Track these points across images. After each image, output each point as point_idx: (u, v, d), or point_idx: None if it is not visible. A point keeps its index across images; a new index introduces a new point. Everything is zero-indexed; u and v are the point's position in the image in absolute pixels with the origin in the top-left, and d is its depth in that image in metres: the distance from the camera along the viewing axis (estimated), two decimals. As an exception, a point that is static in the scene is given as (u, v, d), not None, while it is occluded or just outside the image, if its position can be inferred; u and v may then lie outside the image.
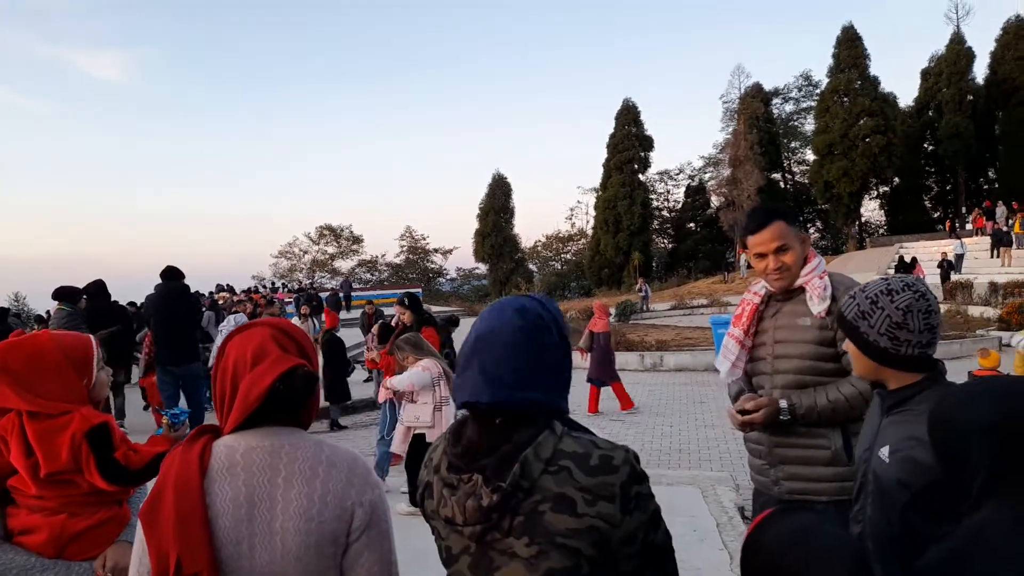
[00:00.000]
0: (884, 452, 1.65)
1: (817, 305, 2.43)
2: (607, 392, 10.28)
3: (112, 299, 8.70)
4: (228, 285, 31.82)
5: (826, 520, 1.56)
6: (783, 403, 2.42)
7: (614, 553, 1.13)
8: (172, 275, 7.61)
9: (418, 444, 5.48)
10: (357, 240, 56.74)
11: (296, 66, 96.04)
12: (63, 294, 8.05)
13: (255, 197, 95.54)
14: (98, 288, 8.34)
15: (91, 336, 2.27)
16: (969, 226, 34.68)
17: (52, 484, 2.03)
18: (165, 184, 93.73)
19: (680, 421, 9.42)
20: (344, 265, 56.57)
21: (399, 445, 5.57)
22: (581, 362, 9.82)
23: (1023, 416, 1.23)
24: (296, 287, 40.16)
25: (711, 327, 12.14)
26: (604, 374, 10.08)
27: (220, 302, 19.41)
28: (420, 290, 43.47)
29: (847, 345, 1.77)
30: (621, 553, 1.14)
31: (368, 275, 56.02)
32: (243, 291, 30.68)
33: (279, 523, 1.31)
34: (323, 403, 9.90)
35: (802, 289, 2.48)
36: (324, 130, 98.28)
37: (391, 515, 1.45)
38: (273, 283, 45.51)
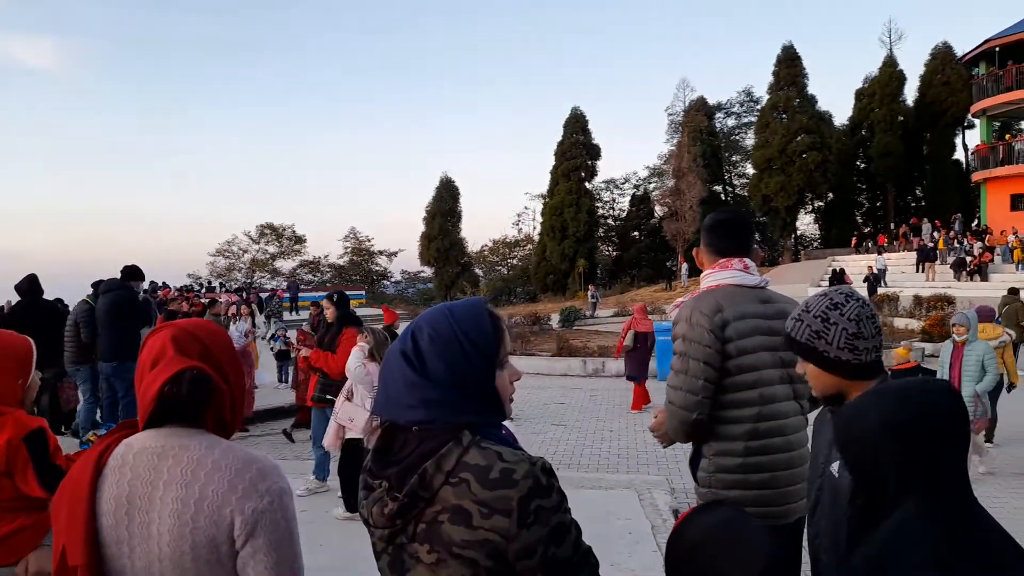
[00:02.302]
0: (835, 467, 1.68)
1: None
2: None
3: (43, 296, 8.35)
4: (163, 283, 30.87)
5: (745, 515, 1.61)
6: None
7: (511, 565, 1.14)
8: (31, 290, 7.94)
9: (352, 450, 5.39)
10: (299, 240, 55.68)
11: (240, 60, 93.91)
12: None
13: (192, 193, 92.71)
14: (29, 284, 7.98)
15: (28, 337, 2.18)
16: (895, 242, 36.27)
17: None
18: (97, 178, 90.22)
19: (619, 427, 9.54)
20: (285, 265, 55.52)
21: (331, 441, 5.45)
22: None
23: (924, 414, 1.26)
24: (236, 287, 39.17)
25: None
26: (643, 371, 10.74)
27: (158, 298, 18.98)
28: (364, 292, 43.00)
29: (804, 367, 1.74)
30: (519, 566, 1.14)
31: (311, 276, 54.97)
32: (177, 289, 29.81)
33: (155, 526, 1.30)
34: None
35: None
36: (266, 126, 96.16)
37: (292, 522, 1.38)
38: (210, 282, 44.30)
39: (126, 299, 7.70)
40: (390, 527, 1.19)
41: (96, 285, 8.25)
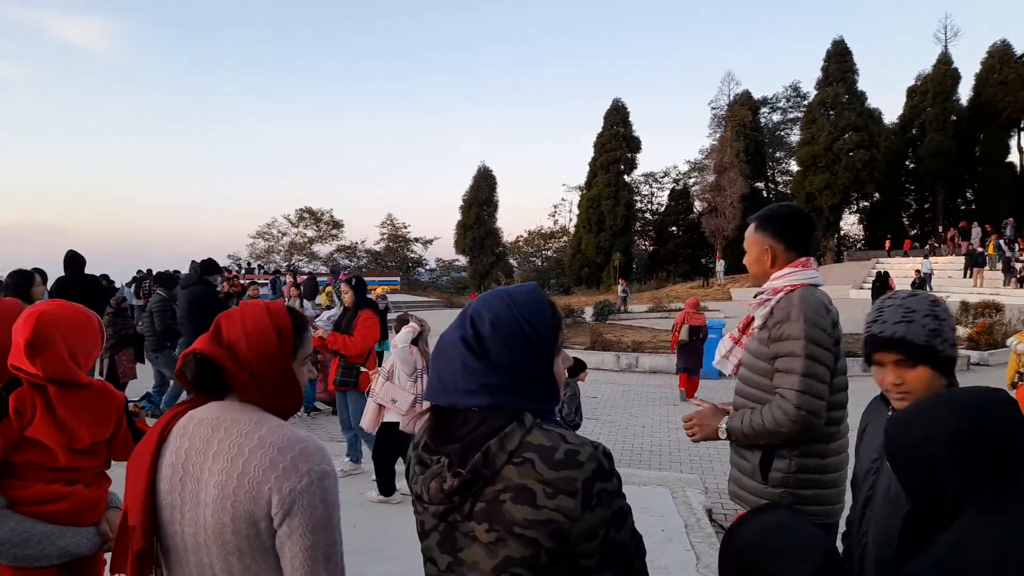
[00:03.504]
0: None
1: (757, 317, 2.46)
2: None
3: (83, 271, 8.56)
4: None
5: (800, 516, 1.56)
6: (722, 424, 2.48)
7: (573, 547, 1.14)
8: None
9: (387, 433, 5.39)
10: (337, 225, 56.33)
11: (283, 47, 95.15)
12: (162, 279, 8.62)
13: (236, 178, 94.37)
14: (71, 260, 8.19)
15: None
16: (944, 246, 35.25)
17: (83, 455, 2.09)
18: (143, 159, 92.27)
19: (652, 422, 9.44)
20: (323, 249, 56.25)
21: (370, 422, 5.43)
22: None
23: (987, 425, 1.23)
24: (274, 269, 39.77)
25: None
26: (698, 364, 11.06)
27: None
28: (399, 279, 43.32)
29: (908, 375, 1.61)
30: (580, 548, 1.15)
31: (347, 261, 55.55)
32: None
33: (203, 495, 1.34)
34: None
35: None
36: (309, 112, 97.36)
37: (332, 506, 1.37)
38: (249, 263, 45.07)
39: (204, 295, 7.92)
40: (446, 503, 1.18)
41: (161, 277, 8.96)
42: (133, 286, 16.52)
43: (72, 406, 2.03)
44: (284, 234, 55.54)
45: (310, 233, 56.02)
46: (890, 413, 1.70)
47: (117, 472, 2.29)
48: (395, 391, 5.29)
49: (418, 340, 5.46)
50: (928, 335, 1.59)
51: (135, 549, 1.37)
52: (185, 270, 25.39)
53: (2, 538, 1.89)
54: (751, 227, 2.54)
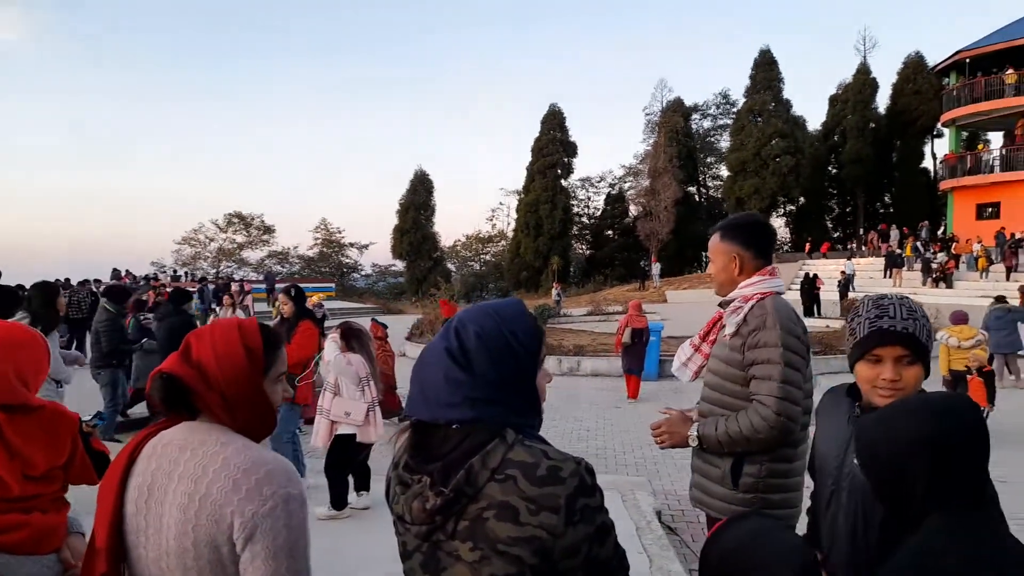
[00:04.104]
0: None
1: (729, 325, 2.45)
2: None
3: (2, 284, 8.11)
4: (127, 271, 30.17)
5: (777, 525, 1.57)
6: (693, 431, 2.48)
7: (556, 563, 1.13)
8: None
9: (341, 446, 5.25)
10: (268, 230, 54.63)
11: (210, 42, 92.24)
12: (112, 293, 8.19)
13: (157, 180, 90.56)
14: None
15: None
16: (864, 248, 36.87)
17: (39, 481, 1.99)
18: (57, 157, 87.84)
19: (597, 425, 9.46)
20: (253, 255, 54.51)
21: (323, 440, 5.29)
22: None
23: (954, 430, 1.28)
24: (201, 276, 38.45)
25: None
26: (641, 365, 11.42)
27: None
28: (333, 284, 42.47)
29: (906, 371, 1.63)
30: (563, 564, 1.14)
31: (279, 267, 54.12)
32: (143, 278, 29.18)
33: (166, 518, 1.30)
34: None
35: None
36: (236, 112, 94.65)
37: (298, 531, 1.32)
38: (175, 271, 43.43)
39: (183, 324, 7.83)
40: (429, 523, 1.17)
41: (111, 291, 8.47)
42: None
43: (24, 431, 1.92)
44: (212, 240, 53.60)
45: (239, 239, 54.19)
46: (856, 408, 1.76)
47: (75, 494, 2.17)
48: (347, 404, 5.20)
49: (355, 347, 5.34)
50: (928, 336, 1.66)
51: (99, 573, 1.35)
52: (106, 279, 24.22)
53: None
54: (715, 237, 2.56)
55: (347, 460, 5.28)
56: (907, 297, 1.72)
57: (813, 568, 1.30)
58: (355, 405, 5.18)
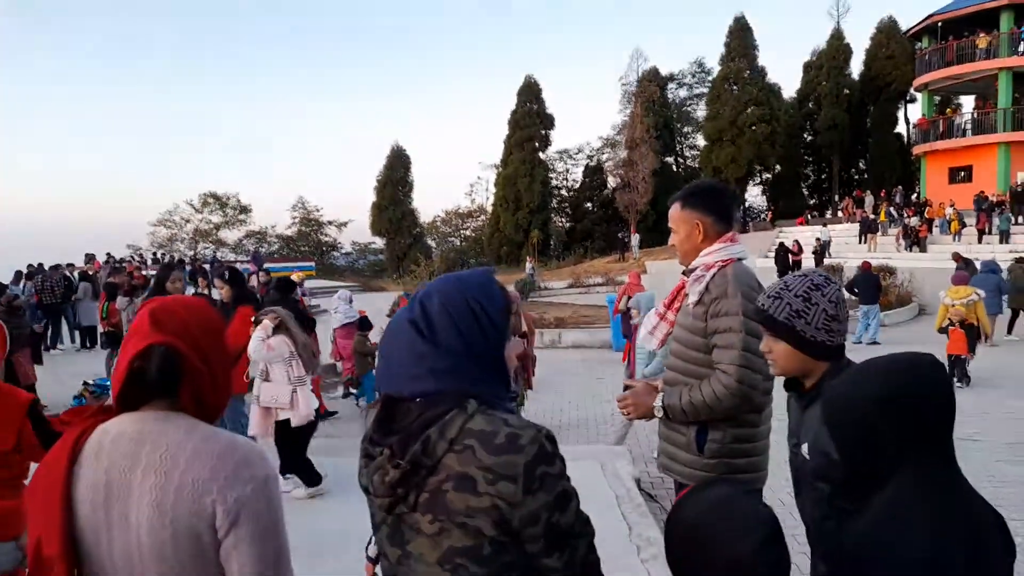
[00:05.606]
0: (805, 449, 1.69)
1: (692, 293, 2.48)
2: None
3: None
4: (107, 254, 29.73)
5: (744, 493, 1.59)
6: (658, 401, 2.49)
7: (517, 533, 1.13)
8: None
9: (284, 431, 5.22)
10: (245, 210, 53.92)
11: (180, 22, 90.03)
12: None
13: (133, 162, 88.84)
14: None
15: None
16: (840, 213, 37.21)
17: None
18: (28, 138, 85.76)
19: (578, 397, 9.58)
20: (230, 236, 53.87)
21: (259, 429, 5.24)
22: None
23: (915, 385, 1.30)
24: (178, 258, 37.93)
25: (607, 305, 12.57)
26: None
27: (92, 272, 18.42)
28: (313, 264, 42.09)
29: (775, 346, 1.76)
30: (525, 533, 1.14)
31: (257, 247, 53.53)
32: (109, 261, 28.74)
33: (134, 515, 1.25)
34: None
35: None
36: (210, 91, 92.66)
37: (277, 511, 1.32)
38: (155, 254, 42.82)
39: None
40: (391, 496, 1.17)
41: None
42: (24, 282, 15.28)
43: None
44: (188, 221, 52.84)
45: (216, 219, 53.49)
46: (792, 395, 1.88)
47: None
48: (273, 388, 5.16)
49: (279, 330, 5.22)
50: (790, 314, 1.70)
51: None
52: (79, 263, 23.78)
53: None
54: (676, 206, 2.56)
55: (295, 439, 5.24)
56: (814, 276, 1.75)
57: (776, 539, 1.29)
58: (280, 389, 5.12)
